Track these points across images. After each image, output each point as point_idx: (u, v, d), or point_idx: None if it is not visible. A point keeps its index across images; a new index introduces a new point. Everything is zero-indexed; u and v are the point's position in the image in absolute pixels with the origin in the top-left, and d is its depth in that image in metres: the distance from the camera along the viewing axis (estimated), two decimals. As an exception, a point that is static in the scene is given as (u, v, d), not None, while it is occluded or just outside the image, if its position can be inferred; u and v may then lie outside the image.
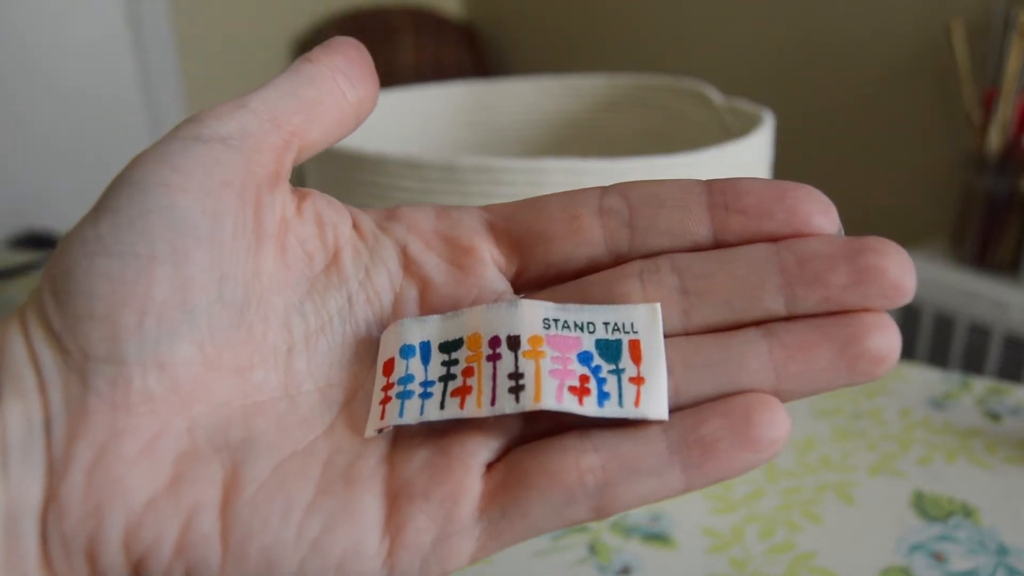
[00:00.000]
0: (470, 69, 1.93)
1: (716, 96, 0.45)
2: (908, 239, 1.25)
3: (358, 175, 0.35)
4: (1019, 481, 0.38)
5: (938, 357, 1.08)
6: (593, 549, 0.34)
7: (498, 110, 0.51)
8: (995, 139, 1.03)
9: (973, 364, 1.04)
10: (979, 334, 1.04)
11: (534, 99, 0.51)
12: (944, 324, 1.07)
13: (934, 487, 0.37)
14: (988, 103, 1.05)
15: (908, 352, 1.11)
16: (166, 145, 0.17)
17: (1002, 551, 0.33)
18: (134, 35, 1.73)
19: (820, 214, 0.17)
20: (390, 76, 1.80)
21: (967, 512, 0.36)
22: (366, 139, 0.46)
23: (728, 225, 0.18)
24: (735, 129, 0.42)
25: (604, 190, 0.19)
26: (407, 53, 1.87)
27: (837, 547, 0.34)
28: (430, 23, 1.91)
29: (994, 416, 0.43)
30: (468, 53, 1.95)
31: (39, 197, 1.70)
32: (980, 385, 0.46)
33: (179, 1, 1.75)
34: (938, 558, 0.33)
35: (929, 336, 1.09)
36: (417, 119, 0.50)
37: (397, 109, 0.49)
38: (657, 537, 0.35)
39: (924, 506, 0.36)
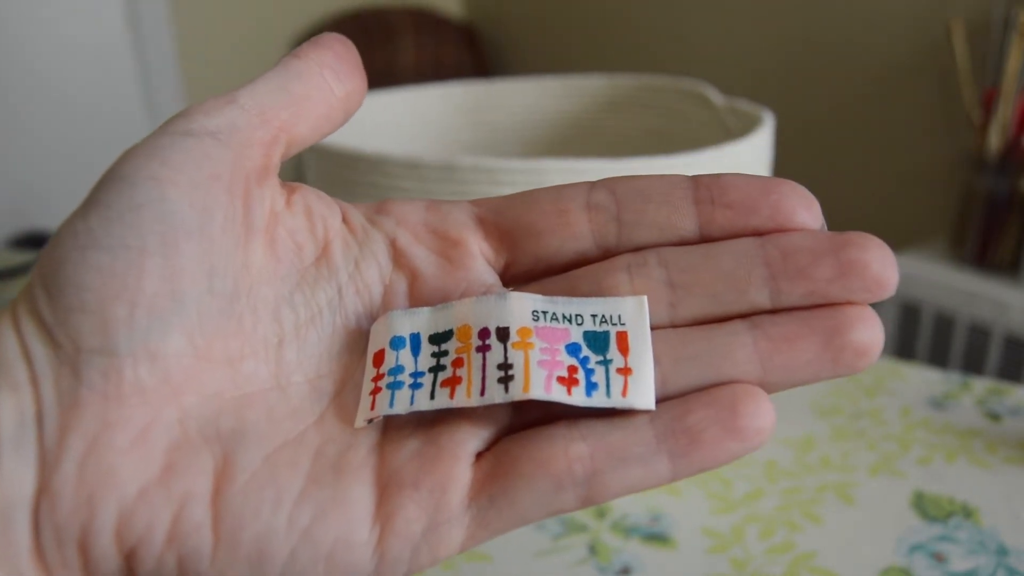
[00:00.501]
0: (470, 69, 1.93)
1: (716, 96, 0.45)
2: (908, 239, 1.25)
3: (358, 175, 0.35)
4: (1019, 481, 0.38)
5: (938, 357, 1.08)
6: (593, 549, 0.34)
7: (498, 110, 0.51)
8: (995, 139, 1.03)
9: (973, 364, 1.04)
10: (979, 334, 1.03)
11: (534, 99, 0.51)
12: (944, 324, 1.07)
13: (934, 487, 0.37)
14: (988, 103, 1.05)
15: (908, 352, 1.11)
16: (155, 140, 0.17)
17: (1002, 551, 0.33)
18: (134, 36, 1.73)
19: (804, 209, 0.18)
20: (390, 76, 1.80)
21: (967, 512, 0.36)
22: (366, 139, 0.46)
23: (714, 219, 0.18)
24: (735, 129, 0.42)
25: (592, 185, 0.19)
26: (407, 53, 1.87)
27: (837, 547, 0.34)
28: (430, 23, 1.91)
29: (994, 416, 0.43)
30: (468, 53, 1.94)
31: (39, 197, 1.70)
32: (980, 385, 0.46)
33: (179, 1, 1.75)
34: (938, 558, 0.33)
35: (929, 336, 1.09)
36: (417, 119, 0.50)
37: (397, 109, 0.49)
38: (657, 537, 0.35)
39: (924, 506, 0.36)
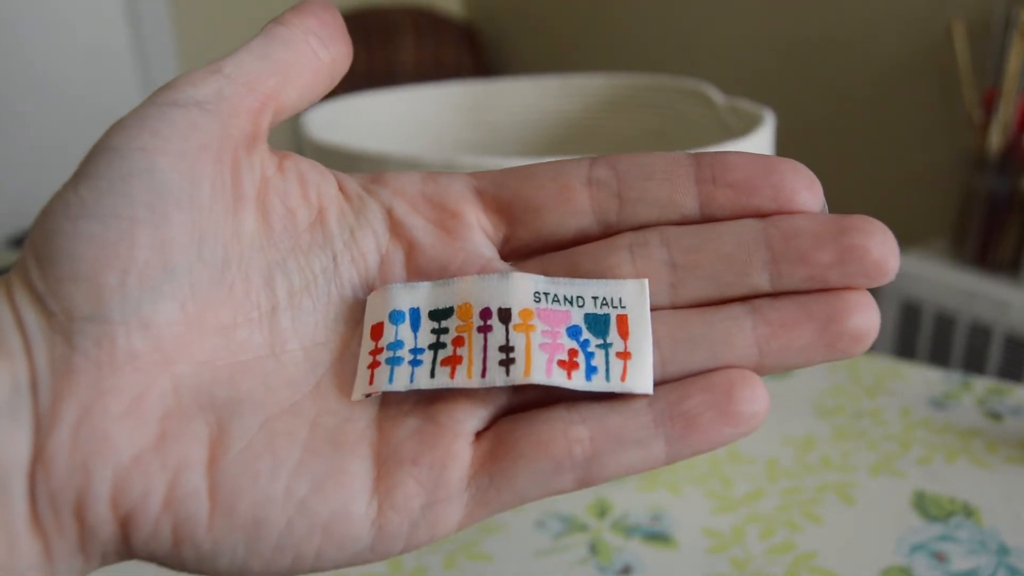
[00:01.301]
0: (470, 69, 1.93)
1: (717, 96, 0.45)
2: (909, 239, 1.25)
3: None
4: (1020, 481, 0.38)
5: (939, 357, 1.08)
6: (594, 549, 0.34)
7: (498, 110, 0.51)
8: (996, 139, 1.03)
9: (974, 364, 1.04)
10: (980, 334, 1.03)
11: (534, 99, 0.51)
12: (945, 324, 1.07)
13: (935, 487, 0.37)
14: (989, 103, 1.04)
15: (909, 352, 1.11)
16: (144, 111, 0.17)
17: (1003, 551, 0.33)
18: (134, 37, 1.73)
19: (805, 189, 0.18)
20: (390, 76, 1.80)
21: (968, 512, 0.36)
22: (366, 139, 0.46)
23: (715, 198, 0.18)
24: (736, 129, 0.42)
25: (593, 161, 0.19)
26: (407, 53, 1.87)
27: (838, 547, 0.34)
28: (430, 23, 1.91)
29: (995, 416, 0.43)
30: (468, 53, 1.94)
31: (39, 198, 1.70)
32: (981, 385, 0.46)
33: (180, 3, 1.75)
34: (939, 558, 0.33)
35: (930, 336, 1.09)
36: (417, 119, 0.50)
37: (397, 109, 0.49)
38: (658, 537, 0.35)
39: (925, 506, 0.36)
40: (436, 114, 0.50)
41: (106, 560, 0.17)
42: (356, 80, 1.69)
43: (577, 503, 0.37)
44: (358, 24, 1.85)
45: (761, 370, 0.17)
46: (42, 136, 1.68)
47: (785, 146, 0.83)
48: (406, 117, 0.49)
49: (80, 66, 1.69)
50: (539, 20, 1.92)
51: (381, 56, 1.84)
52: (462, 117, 0.51)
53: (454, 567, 0.34)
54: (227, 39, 1.82)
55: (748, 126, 0.41)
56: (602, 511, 0.37)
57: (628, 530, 0.35)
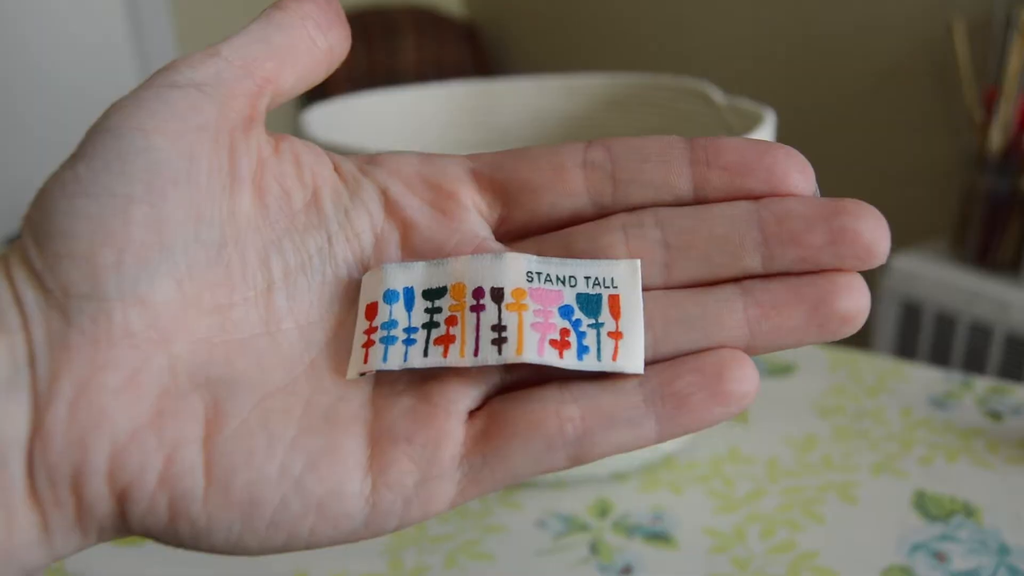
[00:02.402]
0: (471, 68, 1.93)
1: (717, 95, 0.45)
2: (909, 238, 1.25)
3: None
4: (1021, 481, 0.38)
5: (939, 357, 1.08)
6: (595, 549, 0.34)
7: (498, 110, 0.51)
8: (996, 138, 1.03)
9: (974, 364, 1.04)
10: (980, 333, 1.03)
11: (535, 98, 0.51)
12: (945, 323, 1.07)
13: (936, 487, 0.37)
14: (989, 102, 1.04)
15: (909, 351, 1.11)
16: (142, 93, 0.18)
17: (1004, 551, 0.33)
18: (135, 37, 1.73)
19: (798, 172, 0.18)
20: (391, 76, 1.80)
21: (969, 512, 0.36)
22: (367, 139, 0.46)
23: (709, 180, 0.18)
24: (737, 128, 0.42)
25: (588, 144, 0.19)
26: (408, 52, 1.87)
27: (838, 547, 0.34)
28: (431, 22, 1.91)
29: (995, 416, 0.43)
30: (469, 52, 1.94)
31: (40, 197, 1.70)
32: (981, 385, 0.46)
33: (180, 3, 1.75)
34: (940, 558, 0.33)
35: (930, 335, 1.09)
36: (418, 118, 0.50)
37: (398, 109, 0.49)
38: (659, 537, 0.35)
39: (926, 506, 0.36)
40: (437, 114, 0.51)
41: (103, 536, 0.17)
42: (357, 80, 1.69)
43: (578, 503, 0.37)
44: (359, 24, 1.84)
45: (752, 351, 0.17)
46: (42, 134, 1.68)
47: (785, 144, 0.82)
48: (407, 117, 0.49)
49: (81, 65, 1.69)
50: (540, 20, 1.91)
51: (382, 56, 1.84)
52: (463, 117, 0.51)
53: (455, 567, 0.34)
54: (228, 35, 1.82)
55: (749, 125, 0.41)
56: (603, 511, 0.37)
57: (629, 530, 0.35)
